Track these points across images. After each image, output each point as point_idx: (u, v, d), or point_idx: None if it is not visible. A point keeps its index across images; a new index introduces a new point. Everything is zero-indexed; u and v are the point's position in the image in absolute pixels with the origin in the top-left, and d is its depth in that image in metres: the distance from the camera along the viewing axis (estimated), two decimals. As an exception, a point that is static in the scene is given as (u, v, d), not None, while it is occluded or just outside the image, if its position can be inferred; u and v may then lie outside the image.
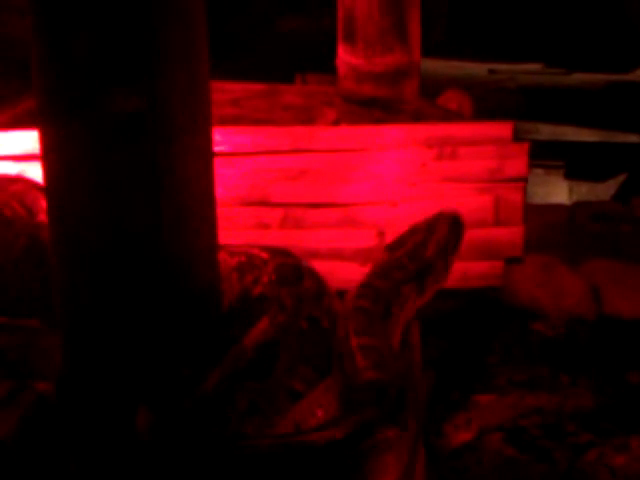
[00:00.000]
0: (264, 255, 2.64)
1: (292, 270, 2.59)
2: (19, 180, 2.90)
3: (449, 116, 4.02)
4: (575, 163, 6.53)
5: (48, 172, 2.21)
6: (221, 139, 3.66)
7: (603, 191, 6.37)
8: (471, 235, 3.08)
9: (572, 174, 6.49)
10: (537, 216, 5.15)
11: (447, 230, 2.69)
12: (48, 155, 2.20)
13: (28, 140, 3.43)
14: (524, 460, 3.92)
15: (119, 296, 2.19)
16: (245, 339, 2.39)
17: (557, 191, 6.47)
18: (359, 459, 2.15)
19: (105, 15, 2.05)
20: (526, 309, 4.61)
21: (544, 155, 6.40)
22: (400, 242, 2.71)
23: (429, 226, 2.72)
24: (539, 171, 6.48)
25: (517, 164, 3.44)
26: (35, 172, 2.89)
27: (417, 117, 3.96)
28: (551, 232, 5.06)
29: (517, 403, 4.23)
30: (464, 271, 2.96)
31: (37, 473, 2.63)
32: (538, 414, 4.16)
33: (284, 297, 2.50)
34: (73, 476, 2.34)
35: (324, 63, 4.53)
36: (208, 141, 2.27)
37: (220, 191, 3.34)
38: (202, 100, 2.23)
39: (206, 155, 2.27)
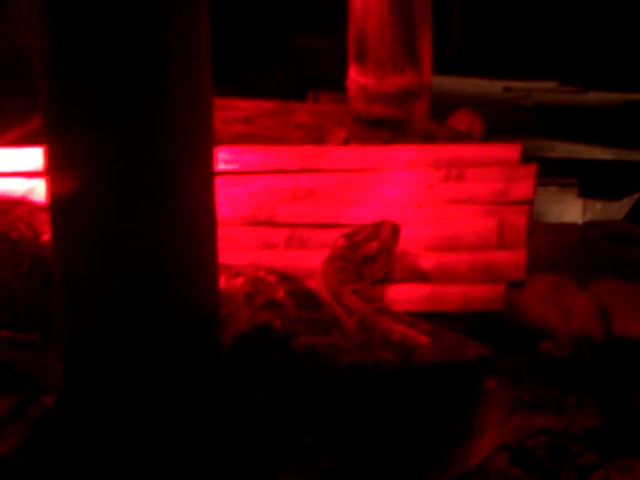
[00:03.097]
0: (271, 278, 2.66)
1: (307, 296, 2.62)
2: (25, 202, 2.94)
3: (458, 137, 4.04)
4: (589, 181, 6.52)
5: (53, 188, 2.25)
6: (230, 158, 3.69)
7: (617, 210, 6.35)
8: (474, 258, 3.09)
9: (586, 192, 6.46)
10: (548, 235, 5.12)
11: (391, 232, 3.06)
12: (53, 171, 2.25)
13: (40, 156, 3.46)
14: (530, 480, 3.91)
15: (118, 315, 2.22)
16: None
17: (571, 209, 6.44)
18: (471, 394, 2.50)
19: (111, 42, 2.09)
20: (535, 328, 4.59)
21: (559, 173, 6.38)
22: (355, 233, 3.08)
23: (376, 225, 3.10)
24: (553, 189, 6.46)
25: (524, 186, 3.45)
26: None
27: (426, 138, 3.98)
28: (561, 251, 5.04)
29: (524, 423, 4.21)
30: (466, 294, 2.96)
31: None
32: (545, 435, 4.14)
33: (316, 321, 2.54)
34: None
35: (339, 81, 4.56)
36: (210, 160, 2.29)
37: (227, 210, 3.37)
38: (205, 119, 2.26)
39: (209, 174, 2.29)
